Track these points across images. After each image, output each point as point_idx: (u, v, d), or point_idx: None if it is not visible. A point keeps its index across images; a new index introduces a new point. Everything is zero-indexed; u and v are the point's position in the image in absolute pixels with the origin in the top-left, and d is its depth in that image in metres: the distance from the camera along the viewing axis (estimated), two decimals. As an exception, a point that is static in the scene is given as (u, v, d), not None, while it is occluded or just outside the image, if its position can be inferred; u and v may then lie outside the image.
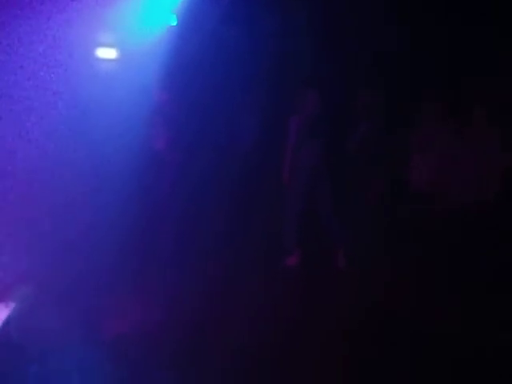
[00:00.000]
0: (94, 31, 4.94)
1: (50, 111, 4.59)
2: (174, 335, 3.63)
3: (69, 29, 4.69)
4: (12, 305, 3.83)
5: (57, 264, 4.18)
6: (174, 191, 4.80)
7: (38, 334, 3.53)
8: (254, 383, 3.28)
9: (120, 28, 4.91)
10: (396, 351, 3.50)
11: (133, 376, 3.24)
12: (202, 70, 4.90)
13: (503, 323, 3.71)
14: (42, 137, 4.53)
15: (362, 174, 5.19)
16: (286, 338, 3.64)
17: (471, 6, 4.81)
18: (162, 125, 4.87)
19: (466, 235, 4.42)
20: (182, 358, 3.41)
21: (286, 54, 5.23)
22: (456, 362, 3.36)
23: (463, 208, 4.69)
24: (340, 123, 5.31)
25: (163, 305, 4.03)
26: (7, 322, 3.66)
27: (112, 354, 3.37)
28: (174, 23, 4.99)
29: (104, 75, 4.98)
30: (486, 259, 4.18)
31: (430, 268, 4.38)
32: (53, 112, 4.59)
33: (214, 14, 4.91)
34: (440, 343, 3.57)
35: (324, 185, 4.82)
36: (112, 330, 3.69)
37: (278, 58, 5.13)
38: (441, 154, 5.02)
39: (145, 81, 4.75)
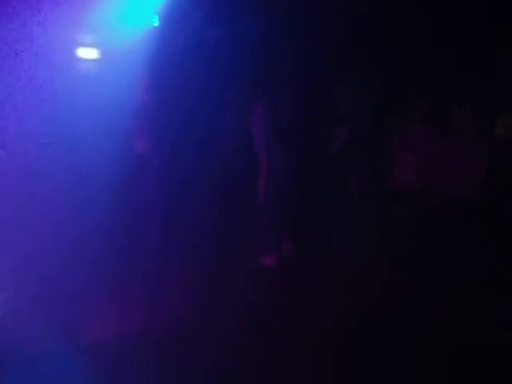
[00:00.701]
0: (75, 31, 4.87)
1: (29, 112, 4.51)
2: (159, 336, 3.61)
3: (48, 28, 4.62)
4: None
5: (37, 269, 4.11)
6: (157, 193, 4.76)
7: (18, 339, 3.46)
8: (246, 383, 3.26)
9: (101, 28, 4.85)
10: (393, 350, 3.50)
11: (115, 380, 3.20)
12: (185, 71, 4.86)
13: (500, 321, 3.74)
14: (20, 137, 4.45)
15: (346, 175, 5.21)
16: (280, 337, 3.63)
17: (458, 3, 4.85)
18: (143, 126, 4.83)
19: (456, 232, 4.45)
20: (167, 360, 3.38)
21: (268, 53, 5.23)
22: (453, 360, 3.38)
23: (450, 206, 4.72)
24: (322, 124, 5.33)
25: (147, 306, 3.99)
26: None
27: (94, 358, 3.33)
28: (156, 23, 4.95)
29: (84, 75, 4.91)
30: (478, 257, 4.20)
31: (424, 265, 4.39)
32: (31, 113, 4.51)
33: (196, 14, 4.88)
34: (437, 341, 3.58)
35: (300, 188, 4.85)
36: (94, 333, 3.64)
37: (259, 57, 5.12)
38: (426, 152, 5.05)
39: (126, 81, 4.70)
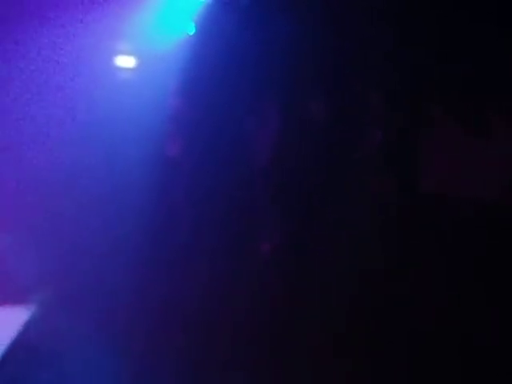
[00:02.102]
0: (113, 39, 5.04)
1: (68, 118, 4.70)
2: (181, 334, 3.68)
3: (87, 36, 4.81)
4: (30, 308, 3.91)
5: (73, 269, 4.26)
6: (187, 198, 4.86)
7: (54, 337, 3.59)
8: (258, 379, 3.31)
9: (138, 36, 5.00)
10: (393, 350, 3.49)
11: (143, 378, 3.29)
12: (218, 77, 4.96)
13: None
14: (59, 143, 4.64)
15: (373, 178, 5.17)
16: (283, 337, 3.66)
17: (486, 4, 4.78)
18: (177, 131, 4.94)
19: (486, 240, 4.37)
20: (189, 356, 3.45)
21: (299, 56, 5.26)
22: (453, 361, 3.35)
23: (478, 210, 4.64)
24: (350, 126, 5.32)
25: (170, 305, 4.07)
26: (26, 324, 3.74)
27: (124, 356, 3.43)
28: (191, 31, 5.06)
29: (121, 83, 5.08)
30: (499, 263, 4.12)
31: (447, 270, 4.33)
32: (70, 119, 4.70)
33: (231, 22, 4.98)
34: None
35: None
36: (126, 332, 3.75)
37: (290, 61, 5.17)
38: (455, 155, 4.97)
39: (162, 88, 4.83)
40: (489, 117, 4.73)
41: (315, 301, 4.31)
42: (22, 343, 3.53)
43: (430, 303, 4.06)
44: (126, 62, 5.10)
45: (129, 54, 5.10)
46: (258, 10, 4.97)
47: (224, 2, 4.97)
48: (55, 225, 4.46)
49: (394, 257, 4.50)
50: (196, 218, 4.80)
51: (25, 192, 4.52)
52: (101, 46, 4.95)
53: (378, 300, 4.16)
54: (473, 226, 4.52)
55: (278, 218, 4.88)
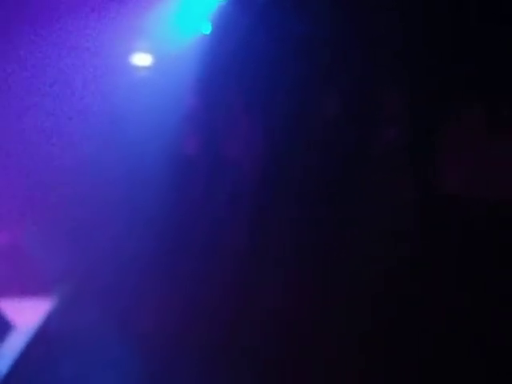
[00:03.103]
0: (130, 37, 5.13)
1: (85, 116, 4.83)
2: (203, 333, 3.78)
3: (105, 34, 4.91)
4: (53, 301, 4.08)
5: (95, 263, 4.41)
6: (205, 195, 4.95)
7: (75, 329, 3.75)
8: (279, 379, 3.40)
9: (155, 34, 5.09)
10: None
11: (163, 372, 3.40)
12: (234, 75, 5.04)
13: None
14: (77, 141, 4.77)
15: (391, 177, 5.19)
16: (301, 340, 3.72)
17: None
18: (193, 128, 5.04)
19: (500, 238, 4.32)
20: (210, 356, 3.54)
21: (314, 54, 5.27)
22: (468, 360, 3.38)
23: (501, 212, 4.54)
24: (366, 124, 5.33)
25: (196, 302, 4.19)
26: (48, 317, 3.90)
27: (144, 351, 3.54)
28: (208, 31, 5.14)
29: (138, 81, 5.18)
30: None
31: (464, 270, 4.28)
32: (87, 117, 4.83)
33: (246, 21, 5.04)
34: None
35: None
36: (144, 328, 3.87)
37: (306, 58, 5.18)
38: (476, 155, 4.94)
39: (178, 86, 4.92)
40: (508, 116, 4.70)
41: (331, 300, 4.32)
42: (43, 334, 3.69)
43: (447, 303, 4.03)
44: (142, 60, 5.21)
45: (146, 52, 5.21)
46: (272, 9, 5.02)
47: (239, 2, 5.04)
48: (77, 222, 4.62)
49: (412, 256, 4.48)
50: (214, 215, 4.91)
51: (48, 189, 4.68)
52: (118, 45, 5.06)
53: (394, 299, 4.15)
54: (492, 226, 4.45)
55: (294, 216, 4.91)
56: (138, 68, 5.21)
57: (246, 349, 3.65)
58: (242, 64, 5.03)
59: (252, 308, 4.13)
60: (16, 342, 3.56)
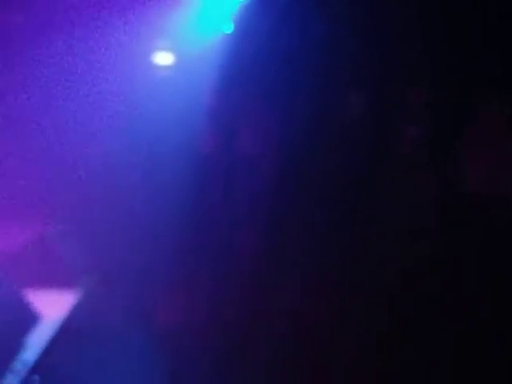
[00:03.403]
0: (152, 36, 5.22)
1: (107, 115, 4.94)
2: (222, 332, 3.84)
3: (128, 34, 5.00)
4: (78, 294, 4.20)
5: (118, 259, 4.52)
6: (224, 195, 5.02)
7: (99, 322, 3.87)
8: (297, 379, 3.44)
9: (177, 34, 5.17)
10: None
11: (183, 368, 3.48)
12: (257, 76, 5.09)
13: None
14: (100, 140, 4.89)
15: (411, 180, 5.17)
16: (319, 341, 3.75)
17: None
18: (212, 127, 5.11)
19: None
20: (229, 356, 3.59)
21: (336, 52, 5.27)
22: (486, 361, 3.38)
23: None
24: (387, 125, 5.33)
25: (213, 299, 4.26)
26: (74, 310, 4.02)
27: (164, 346, 3.62)
28: (230, 31, 5.20)
29: (160, 79, 5.27)
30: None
31: (487, 269, 4.26)
32: (110, 116, 4.93)
33: (268, 21, 5.08)
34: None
35: None
36: (166, 323, 3.95)
37: (328, 58, 5.19)
38: (497, 153, 4.89)
39: (199, 85, 5.00)
40: None
41: (350, 299, 4.35)
42: (69, 326, 3.81)
43: (466, 302, 4.02)
44: (164, 59, 5.30)
45: (168, 51, 5.30)
46: (294, 9, 5.05)
47: (261, 2, 5.09)
48: (101, 219, 4.74)
49: (433, 255, 4.49)
50: (232, 215, 4.97)
51: (74, 187, 4.82)
52: (141, 44, 5.15)
53: (414, 298, 4.17)
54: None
55: (313, 215, 4.94)
56: (159, 67, 5.31)
57: (264, 349, 3.70)
58: (263, 64, 5.07)
59: (270, 308, 4.18)
60: (43, 334, 3.68)
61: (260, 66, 5.07)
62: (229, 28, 5.16)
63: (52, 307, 3.96)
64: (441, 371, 3.56)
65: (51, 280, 4.25)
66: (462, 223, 4.73)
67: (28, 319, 3.73)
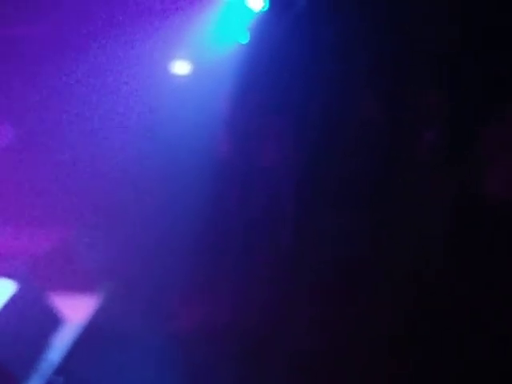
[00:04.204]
0: (170, 46, 5.34)
1: (126, 123, 5.07)
2: (240, 333, 3.93)
3: (146, 44, 5.13)
4: (100, 297, 4.34)
5: (140, 263, 4.66)
6: (241, 201, 5.12)
7: (121, 323, 3.99)
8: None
9: (194, 43, 5.28)
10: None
11: (199, 369, 3.57)
12: (270, 82, 5.18)
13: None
14: (119, 147, 5.02)
15: (429, 183, 5.19)
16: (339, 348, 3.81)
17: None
18: (228, 133, 5.22)
19: None
20: (247, 355, 3.68)
21: (357, 62, 5.30)
22: (494, 363, 3.40)
23: None
24: (406, 128, 5.34)
25: (231, 304, 4.36)
26: (96, 312, 4.16)
27: (184, 348, 3.73)
28: (245, 40, 5.30)
29: (177, 88, 5.40)
30: None
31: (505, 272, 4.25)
32: (129, 124, 5.07)
33: (283, 31, 5.17)
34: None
35: None
36: (185, 326, 4.05)
37: (341, 63, 5.22)
38: None
39: (216, 93, 5.12)
40: None
41: (374, 301, 4.40)
42: (92, 328, 3.95)
43: (484, 305, 4.02)
44: (181, 68, 5.42)
45: (185, 60, 5.42)
46: (307, 17, 5.13)
47: (275, 13, 5.18)
48: (122, 223, 4.88)
49: (451, 257, 4.50)
50: (249, 220, 5.07)
51: (94, 193, 4.96)
52: (159, 53, 5.27)
53: (432, 300, 4.21)
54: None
55: (331, 220, 4.97)
56: (177, 76, 5.43)
57: (283, 354, 3.75)
58: (278, 72, 5.15)
59: (288, 313, 4.24)
60: (67, 336, 3.82)
61: (275, 74, 5.15)
62: (244, 38, 5.27)
63: (75, 310, 4.08)
64: (453, 375, 3.60)
65: (74, 283, 4.36)
66: (479, 226, 4.69)
67: (52, 322, 3.86)
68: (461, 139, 5.11)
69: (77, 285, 4.36)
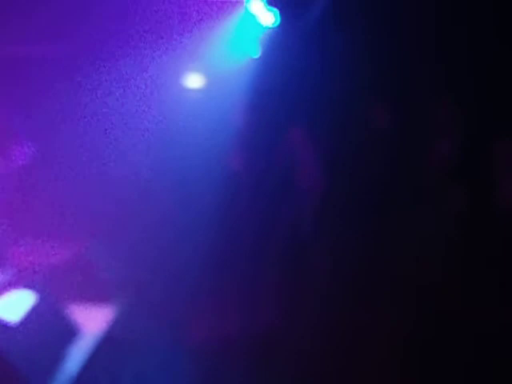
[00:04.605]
0: (185, 61, 5.45)
1: (141, 135, 5.17)
2: (255, 342, 3.97)
3: (160, 58, 5.24)
4: (116, 308, 4.41)
5: (155, 274, 4.73)
6: (252, 206, 5.19)
7: (136, 334, 4.06)
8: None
9: (208, 58, 5.39)
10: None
11: (214, 379, 3.62)
12: (281, 95, 5.25)
13: None
14: (136, 161, 5.13)
15: (443, 193, 5.12)
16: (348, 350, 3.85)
17: None
18: (241, 146, 5.30)
19: None
20: (261, 365, 3.72)
21: (368, 74, 5.34)
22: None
23: None
24: (418, 138, 5.36)
25: (245, 313, 4.41)
26: (112, 323, 4.23)
27: (198, 357, 3.78)
28: (257, 55, 5.40)
29: (191, 101, 5.50)
30: None
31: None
32: (143, 136, 5.17)
33: (293, 45, 5.25)
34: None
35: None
36: (199, 335, 4.10)
37: (351, 75, 5.26)
38: None
39: (228, 106, 5.22)
40: None
41: (381, 307, 4.42)
42: (108, 339, 4.02)
43: (493, 317, 4.03)
44: (195, 82, 5.54)
45: (198, 74, 5.53)
46: (317, 31, 5.20)
47: (286, 28, 5.26)
48: (136, 234, 4.97)
49: (464, 267, 4.48)
50: (262, 229, 5.13)
51: (110, 204, 5.07)
52: (173, 67, 5.39)
53: (444, 309, 4.21)
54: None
55: (345, 227, 5.02)
56: (190, 89, 5.55)
57: (296, 360, 3.78)
58: (289, 85, 5.23)
59: (300, 321, 4.28)
60: (84, 346, 3.89)
61: (285, 87, 5.23)
62: (255, 52, 5.36)
63: (92, 321, 4.14)
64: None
65: (91, 295, 4.42)
66: (488, 239, 4.67)
67: (69, 332, 3.94)
68: (472, 152, 5.12)
69: (94, 296, 4.43)
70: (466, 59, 5.05)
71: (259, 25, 5.33)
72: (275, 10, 5.26)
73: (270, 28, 5.34)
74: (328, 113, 5.27)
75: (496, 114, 4.95)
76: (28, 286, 3.85)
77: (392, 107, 5.35)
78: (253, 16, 5.26)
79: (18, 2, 4.82)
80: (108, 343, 4.01)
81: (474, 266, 4.50)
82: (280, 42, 5.33)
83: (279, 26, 5.32)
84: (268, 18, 5.28)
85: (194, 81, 5.57)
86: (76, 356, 3.76)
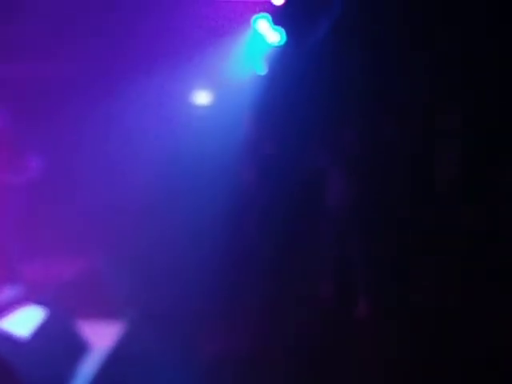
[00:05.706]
0: (193, 78, 5.54)
1: (152, 154, 5.25)
2: (265, 359, 3.99)
3: (170, 75, 5.33)
4: (125, 324, 4.44)
5: (158, 289, 4.77)
6: (262, 221, 5.24)
7: (146, 350, 4.08)
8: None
9: (216, 75, 5.48)
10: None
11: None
12: (288, 110, 5.33)
13: None
14: (144, 178, 5.21)
15: (452, 210, 5.14)
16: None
17: None
18: (250, 157, 5.37)
19: None
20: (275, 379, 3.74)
21: (369, 91, 5.41)
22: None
23: None
24: (426, 139, 5.37)
25: (255, 330, 4.43)
26: (121, 339, 4.26)
27: (206, 375, 3.79)
28: (263, 72, 5.48)
29: (199, 117, 5.59)
30: None
31: None
32: (154, 155, 5.25)
33: (299, 62, 5.33)
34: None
35: (354, 227, 4.86)
36: (207, 352, 4.12)
37: (361, 95, 5.33)
38: None
39: (236, 120, 5.30)
40: None
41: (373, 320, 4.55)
42: (118, 355, 4.04)
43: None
44: (203, 98, 5.63)
45: (207, 91, 5.62)
46: (322, 49, 5.29)
47: (292, 46, 5.35)
48: (145, 248, 5.04)
49: (481, 286, 4.56)
50: (271, 243, 5.18)
51: (116, 221, 5.14)
52: (182, 84, 5.48)
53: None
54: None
55: (356, 248, 4.99)
56: (198, 105, 5.64)
57: (310, 375, 3.82)
58: (296, 101, 5.32)
59: (313, 334, 4.32)
60: (93, 363, 3.92)
61: (292, 103, 5.31)
62: (262, 69, 5.45)
63: (101, 337, 4.16)
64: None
65: (101, 310, 4.45)
66: (490, 264, 4.73)
67: (78, 348, 3.97)
68: (479, 177, 5.15)
69: (103, 311, 4.46)
70: (469, 72, 5.09)
71: (266, 43, 5.42)
72: (281, 29, 5.37)
73: (276, 46, 5.43)
74: (334, 128, 5.34)
75: (504, 142, 5.00)
76: (39, 301, 3.89)
77: (397, 120, 5.40)
78: (260, 35, 5.37)
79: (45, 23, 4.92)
80: (117, 359, 4.03)
81: (479, 292, 4.57)
82: (286, 60, 5.43)
83: (285, 44, 5.42)
84: (274, 36, 5.38)
85: (202, 97, 5.67)
86: (85, 372, 3.78)
